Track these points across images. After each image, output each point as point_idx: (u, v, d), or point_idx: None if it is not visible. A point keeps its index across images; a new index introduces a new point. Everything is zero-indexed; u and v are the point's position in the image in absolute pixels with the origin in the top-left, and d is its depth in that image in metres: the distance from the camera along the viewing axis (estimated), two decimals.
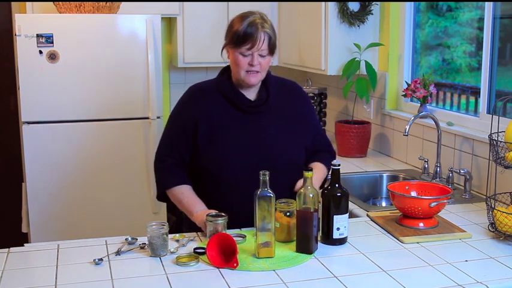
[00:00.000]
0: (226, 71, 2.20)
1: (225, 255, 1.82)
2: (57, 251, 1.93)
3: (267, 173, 1.84)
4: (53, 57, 3.33)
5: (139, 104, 3.49)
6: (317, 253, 1.91)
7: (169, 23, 4.20)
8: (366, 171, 3.11)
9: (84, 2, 3.39)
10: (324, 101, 3.89)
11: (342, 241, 1.98)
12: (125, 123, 3.50)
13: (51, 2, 3.50)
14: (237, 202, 2.10)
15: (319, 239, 1.98)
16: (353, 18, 3.39)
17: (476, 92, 2.90)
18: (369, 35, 3.46)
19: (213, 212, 1.99)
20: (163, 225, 1.89)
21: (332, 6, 3.39)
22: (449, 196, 2.11)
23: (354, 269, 1.80)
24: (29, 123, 3.37)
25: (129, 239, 2.00)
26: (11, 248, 1.96)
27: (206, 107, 2.15)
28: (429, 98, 3.06)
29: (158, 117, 3.49)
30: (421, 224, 2.11)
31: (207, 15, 3.88)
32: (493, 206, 2.07)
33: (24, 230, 3.55)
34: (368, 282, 1.71)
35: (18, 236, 3.56)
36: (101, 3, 3.43)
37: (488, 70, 2.71)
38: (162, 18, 3.79)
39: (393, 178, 3.02)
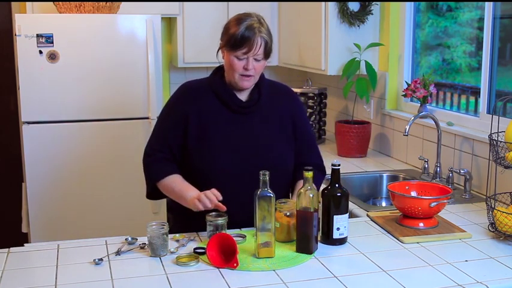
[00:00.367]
0: (219, 71, 2.20)
1: (225, 255, 1.82)
2: (57, 251, 1.93)
3: (267, 173, 1.84)
4: (53, 57, 3.33)
5: (139, 104, 3.49)
6: (317, 253, 1.91)
7: (169, 23, 4.20)
8: (366, 171, 3.11)
9: (84, 2, 3.39)
10: (324, 101, 3.90)
11: (342, 241, 1.98)
12: (124, 123, 3.50)
13: (51, 2, 3.50)
14: (227, 202, 2.10)
15: (319, 239, 1.97)
16: (353, 18, 3.39)
17: (476, 92, 2.90)
18: (369, 35, 3.46)
19: (213, 212, 1.99)
20: (163, 225, 1.89)
21: (332, 6, 3.39)
22: (449, 196, 2.11)
23: (354, 269, 1.80)
24: (29, 123, 3.37)
25: (129, 239, 2.00)
26: (11, 248, 1.96)
27: (198, 105, 2.14)
28: (429, 98, 3.06)
29: None
30: (421, 224, 2.11)
31: (207, 15, 3.88)
32: (493, 206, 2.07)
33: (24, 230, 3.55)
34: (368, 282, 1.71)
35: (18, 236, 3.56)
36: (101, 3, 3.43)
37: (488, 70, 2.71)
38: (162, 18, 3.79)
39: (393, 178, 3.02)
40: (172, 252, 1.90)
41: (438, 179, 2.81)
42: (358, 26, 3.42)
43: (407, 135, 2.80)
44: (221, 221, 1.94)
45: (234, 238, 1.83)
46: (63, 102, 3.39)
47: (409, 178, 2.91)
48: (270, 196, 1.84)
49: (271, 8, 4.06)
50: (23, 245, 2.02)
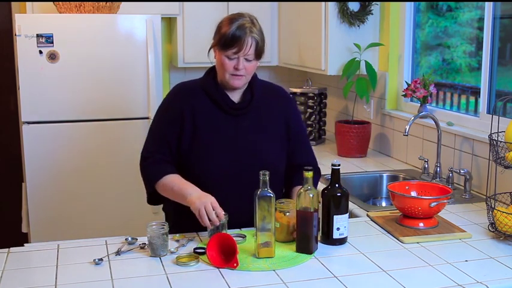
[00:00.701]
0: (212, 71, 2.19)
1: (225, 255, 1.82)
2: (57, 251, 1.93)
3: (267, 173, 1.84)
4: (53, 57, 3.33)
5: (139, 104, 3.49)
6: (317, 253, 1.91)
7: (169, 23, 4.20)
8: (366, 171, 3.11)
9: (84, 2, 3.39)
10: (324, 101, 3.89)
11: (342, 241, 1.98)
12: (124, 123, 3.50)
13: (51, 2, 3.50)
14: (220, 203, 2.10)
15: (319, 239, 1.97)
16: (353, 18, 3.39)
17: (476, 92, 2.90)
18: (369, 35, 3.46)
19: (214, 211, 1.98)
20: (163, 225, 1.89)
21: (332, 6, 3.39)
22: (449, 196, 2.11)
23: (354, 269, 1.80)
24: (29, 123, 3.37)
25: (129, 239, 2.00)
26: (11, 248, 1.96)
27: (191, 104, 2.13)
28: (429, 98, 3.06)
29: None
30: (421, 224, 2.11)
31: (207, 15, 3.88)
32: (493, 206, 2.07)
33: (24, 230, 3.55)
34: (368, 282, 1.71)
35: (18, 236, 3.56)
36: (101, 3, 3.43)
37: (488, 70, 2.71)
38: (162, 18, 3.79)
39: (393, 178, 3.02)
40: (172, 252, 1.90)
41: (438, 179, 2.81)
42: (358, 26, 3.42)
43: (407, 135, 2.80)
44: (222, 220, 1.94)
45: (234, 238, 1.83)
46: (63, 102, 3.39)
47: (409, 178, 2.91)
48: (270, 196, 1.84)
49: (271, 8, 4.07)
50: (23, 245, 2.02)
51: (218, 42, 2.07)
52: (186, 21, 3.91)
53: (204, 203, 1.93)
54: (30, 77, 3.32)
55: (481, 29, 2.82)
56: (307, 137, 2.37)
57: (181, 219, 2.15)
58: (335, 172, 1.98)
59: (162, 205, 2.36)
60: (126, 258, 1.87)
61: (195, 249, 1.90)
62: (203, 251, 1.87)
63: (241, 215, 2.10)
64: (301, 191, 1.88)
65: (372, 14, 3.43)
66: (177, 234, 2.05)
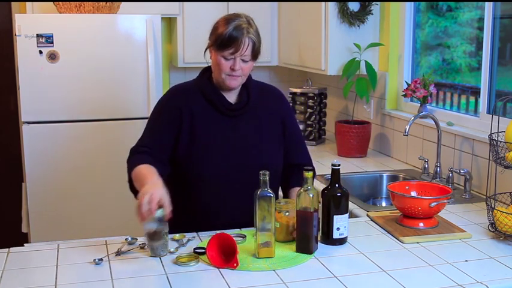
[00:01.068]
0: (206, 72, 2.19)
1: (225, 255, 1.82)
2: (57, 251, 1.93)
3: (267, 173, 1.84)
4: (53, 57, 3.33)
5: (139, 104, 3.49)
6: (317, 253, 1.91)
7: (169, 23, 4.20)
8: (366, 171, 3.11)
9: (84, 2, 3.40)
10: (324, 101, 3.89)
11: (342, 241, 1.98)
12: (124, 123, 3.50)
13: (51, 2, 3.50)
14: (217, 203, 2.10)
15: (319, 239, 1.97)
16: (353, 18, 3.39)
17: (476, 92, 2.90)
18: (369, 35, 3.46)
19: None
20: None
21: (332, 6, 3.39)
22: (449, 196, 2.11)
23: (354, 269, 1.80)
24: (29, 123, 3.38)
25: (129, 239, 2.00)
26: (11, 248, 1.96)
27: (189, 106, 2.12)
28: (429, 98, 3.06)
29: None
30: (421, 224, 2.11)
31: (207, 15, 3.87)
32: (493, 206, 2.07)
33: (24, 230, 3.55)
34: (368, 282, 1.71)
35: (18, 236, 3.56)
36: (101, 3, 3.43)
37: (488, 70, 2.71)
38: (162, 18, 3.79)
39: (393, 178, 3.02)
40: (172, 252, 1.90)
41: (438, 179, 2.81)
42: (358, 26, 3.42)
43: (407, 135, 2.80)
44: (160, 213, 1.82)
45: (234, 238, 1.82)
46: (63, 102, 3.39)
47: (409, 178, 2.91)
48: (270, 196, 1.84)
49: (271, 8, 4.07)
50: (23, 245, 2.02)
51: (215, 43, 2.06)
52: (186, 21, 3.91)
53: (143, 194, 1.83)
54: (30, 77, 3.32)
55: (481, 29, 2.82)
56: (302, 136, 2.37)
57: (181, 220, 2.15)
58: (335, 172, 1.98)
59: None
60: (126, 258, 1.87)
61: (195, 249, 1.90)
62: (203, 251, 1.86)
63: (240, 215, 2.11)
64: (301, 191, 1.88)
65: (372, 14, 3.43)
66: (177, 234, 2.05)
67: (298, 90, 3.86)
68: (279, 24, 4.10)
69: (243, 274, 1.75)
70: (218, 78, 2.11)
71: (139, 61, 3.46)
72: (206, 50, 2.14)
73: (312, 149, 3.61)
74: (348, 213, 1.99)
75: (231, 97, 2.16)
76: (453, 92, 3.19)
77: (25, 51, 3.30)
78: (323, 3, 3.41)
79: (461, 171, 2.62)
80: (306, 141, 2.49)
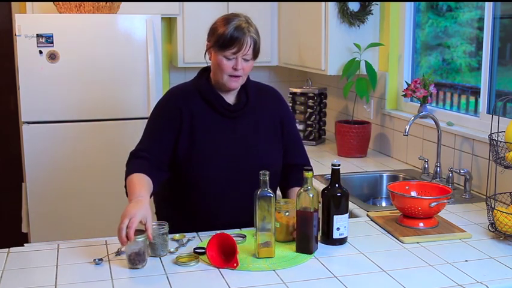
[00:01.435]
0: (205, 72, 2.18)
1: (225, 255, 1.82)
2: (57, 251, 1.93)
3: (267, 173, 1.84)
4: (53, 57, 3.33)
5: (139, 104, 3.49)
6: (317, 253, 1.91)
7: (169, 23, 4.20)
8: (366, 171, 3.11)
9: (84, 2, 3.40)
10: (324, 101, 3.89)
11: (342, 241, 1.98)
12: (125, 123, 3.50)
13: (51, 2, 3.50)
14: (217, 204, 2.10)
15: (319, 239, 1.97)
16: (353, 18, 3.39)
17: (476, 92, 2.90)
18: (369, 35, 3.46)
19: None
20: (163, 225, 1.89)
21: (332, 6, 3.39)
22: (449, 196, 2.11)
23: (354, 269, 1.80)
24: (29, 123, 3.38)
25: None
26: (11, 248, 1.96)
27: (189, 108, 2.12)
28: (429, 98, 3.06)
29: None
30: (421, 224, 2.11)
31: (207, 15, 3.87)
32: (493, 206, 2.07)
33: (24, 230, 3.55)
34: (368, 282, 1.71)
35: (18, 236, 3.56)
36: (101, 3, 3.43)
37: (488, 70, 2.71)
38: (162, 18, 3.79)
39: (393, 178, 3.02)
40: (172, 252, 1.90)
41: (438, 179, 2.81)
42: (358, 26, 3.42)
43: (407, 135, 2.80)
44: (141, 238, 1.78)
45: (234, 238, 1.82)
46: (63, 102, 3.39)
47: (409, 178, 2.91)
48: (270, 196, 1.84)
49: (271, 8, 4.07)
50: (23, 245, 2.02)
51: (215, 43, 2.06)
52: (186, 21, 3.91)
53: (124, 216, 1.80)
54: (30, 77, 3.32)
55: (481, 29, 2.82)
56: (300, 136, 2.37)
57: (181, 220, 2.15)
58: (335, 172, 1.98)
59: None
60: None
61: (195, 249, 1.90)
62: (203, 251, 1.86)
63: (240, 216, 2.11)
64: (301, 191, 1.88)
65: (372, 14, 3.43)
66: (177, 234, 2.05)
67: (298, 90, 3.86)
68: (279, 24, 4.10)
69: (243, 274, 1.75)
70: (219, 80, 2.10)
71: (139, 61, 3.46)
72: (206, 51, 2.13)
73: (312, 149, 3.61)
74: (348, 213, 1.98)
75: (230, 98, 2.16)
76: (453, 92, 3.19)
77: (25, 51, 3.30)
78: (323, 3, 3.41)
79: (461, 171, 2.62)
80: (306, 141, 2.50)
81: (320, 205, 1.97)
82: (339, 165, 1.99)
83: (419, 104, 3.12)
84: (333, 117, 4.04)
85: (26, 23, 3.28)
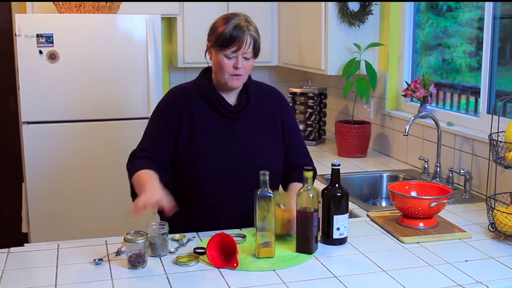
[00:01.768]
0: (206, 72, 2.18)
1: (225, 255, 1.82)
2: (57, 251, 1.93)
3: (267, 173, 1.84)
4: (53, 57, 3.33)
5: (139, 104, 3.49)
6: (317, 253, 1.91)
7: (169, 23, 4.21)
8: (366, 171, 3.11)
9: (84, 2, 3.40)
10: (324, 101, 3.89)
11: (342, 241, 1.98)
12: (125, 123, 3.50)
13: (51, 2, 3.50)
14: (217, 204, 2.10)
15: (319, 239, 1.97)
16: (353, 18, 3.39)
17: (476, 92, 2.90)
18: (369, 35, 3.46)
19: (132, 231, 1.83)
20: (163, 225, 1.89)
21: (332, 6, 3.39)
22: (449, 196, 2.11)
23: (354, 269, 1.80)
24: (29, 123, 3.38)
25: None
26: (11, 248, 1.96)
27: (188, 108, 2.12)
28: (429, 98, 3.06)
29: None
30: (421, 224, 2.11)
31: (207, 15, 3.85)
32: (493, 206, 2.07)
33: (24, 230, 3.55)
34: (368, 282, 1.71)
35: (18, 236, 3.57)
36: (101, 3, 3.43)
37: (488, 70, 2.71)
38: (162, 18, 3.79)
39: (393, 178, 3.02)
40: (172, 252, 1.90)
41: (438, 179, 2.81)
42: (358, 26, 3.42)
43: (407, 135, 2.80)
44: (141, 239, 1.79)
45: (234, 238, 1.82)
46: (63, 102, 3.39)
47: (409, 178, 2.91)
48: (270, 196, 1.84)
49: (271, 8, 4.07)
50: (23, 245, 2.02)
51: (215, 43, 2.06)
52: (186, 21, 3.92)
53: (140, 198, 1.84)
54: (30, 77, 3.32)
55: (481, 29, 2.82)
56: (301, 136, 2.35)
57: (181, 220, 2.15)
58: (335, 172, 1.98)
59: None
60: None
61: (195, 249, 1.90)
62: (203, 251, 1.86)
63: (240, 216, 2.11)
64: (301, 191, 1.88)
65: (372, 14, 3.43)
66: (177, 234, 2.05)
67: (298, 90, 3.86)
68: (279, 24, 4.10)
69: (243, 274, 1.75)
70: (220, 79, 2.10)
71: (139, 61, 3.46)
72: (206, 51, 2.13)
73: (312, 149, 3.61)
74: (348, 213, 1.98)
75: (231, 98, 2.15)
76: (453, 92, 3.19)
77: (25, 51, 3.30)
78: (323, 3, 3.41)
79: (461, 171, 2.62)
80: (306, 141, 2.49)
81: (320, 205, 1.97)
82: (339, 165, 1.99)
83: (419, 104, 3.12)
84: (333, 117, 4.04)
85: (26, 23, 3.28)
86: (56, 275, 1.75)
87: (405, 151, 3.26)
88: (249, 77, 2.18)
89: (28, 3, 3.61)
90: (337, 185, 1.97)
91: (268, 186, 1.84)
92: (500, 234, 2.04)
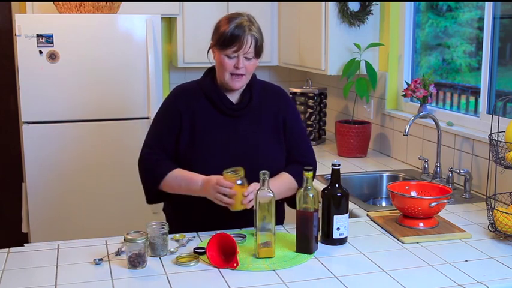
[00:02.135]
0: (210, 72, 2.18)
1: (225, 255, 1.82)
2: (57, 251, 1.93)
3: (267, 173, 1.84)
4: (53, 57, 3.33)
5: (139, 104, 3.49)
6: (317, 253, 1.91)
7: (169, 23, 4.21)
8: (366, 171, 3.11)
9: (84, 2, 3.40)
10: (324, 101, 3.89)
11: (342, 241, 1.98)
12: (124, 123, 3.50)
13: (51, 2, 3.50)
14: (216, 205, 2.09)
15: (319, 239, 1.97)
16: (353, 18, 3.39)
17: (476, 92, 2.90)
18: (369, 35, 3.46)
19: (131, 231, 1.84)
20: (163, 225, 1.89)
21: (332, 6, 3.39)
22: (449, 196, 2.11)
23: (354, 269, 1.80)
24: (29, 123, 3.38)
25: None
26: (11, 248, 1.96)
27: (190, 107, 2.12)
28: (429, 98, 3.06)
29: None
30: (421, 224, 2.11)
31: (207, 15, 3.88)
32: (493, 206, 2.07)
33: (24, 230, 3.55)
34: (368, 282, 1.71)
35: (18, 236, 3.57)
36: (101, 3, 3.43)
37: (488, 70, 2.71)
38: (162, 18, 3.79)
39: (393, 178, 3.02)
40: (172, 252, 1.90)
41: (438, 179, 2.81)
42: (358, 26, 3.42)
43: (407, 135, 2.80)
44: (141, 239, 1.80)
45: (234, 238, 1.82)
46: (63, 102, 3.39)
47: (409, 178, 2.91)
48: (270, 196, 1.84)
49: (271, 8, 4.07)
50: (23, 245, 2.02)
51: (217, 42, 2.07)
52: (186, 21, 3.92)
53: (209, 190, 1.96)
54: (30, 77, 3.32)
55: (481, 29, 2.82)
56: (305, 134, 2.33)
57: (181, 219, 2.15)
58: (335, 172, 1.98)
59: (162, 205, 2.36)
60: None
61: (195, 249, 1.90)
62: (203, 251, 1.87)
63: (240, 216, 2.10)
64: (301, 191, 1.88)
65: (372, 14, 3.43)
66: (177, 234, 2.05)
67: (298, 90, 3.86)
68: (279, 24, 4.10)
69: (243, 274, 1.75)
70: (222, 79, 2.10)
71: (139, 61, 3.46)
72: (209, 50, 2.14)
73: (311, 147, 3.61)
74: (348, 213, 1.99)
75: (234, 97, 2.16)
76: (453, 92, 3.19)
77: (25, 51, 3.30)
78: (323, 3, 3.41)
79: (461, 171, 2.62)
80: None
81: (320, 205, 1.97)
82: (339, 165, 1.99)
83: (419, 104, 3.12)
84: (333, 117, 4.04)
85: (26, 23, 3.28)
86: (56, 275, 1.75)
87: (405, 151, 3.26)
88: (254, 76, 2.19)
89: (28, 3, 3.61)
90: (337, 185, 1.97)
91: (268, 186, 1.84)
92: (500, 234, 2.04)
